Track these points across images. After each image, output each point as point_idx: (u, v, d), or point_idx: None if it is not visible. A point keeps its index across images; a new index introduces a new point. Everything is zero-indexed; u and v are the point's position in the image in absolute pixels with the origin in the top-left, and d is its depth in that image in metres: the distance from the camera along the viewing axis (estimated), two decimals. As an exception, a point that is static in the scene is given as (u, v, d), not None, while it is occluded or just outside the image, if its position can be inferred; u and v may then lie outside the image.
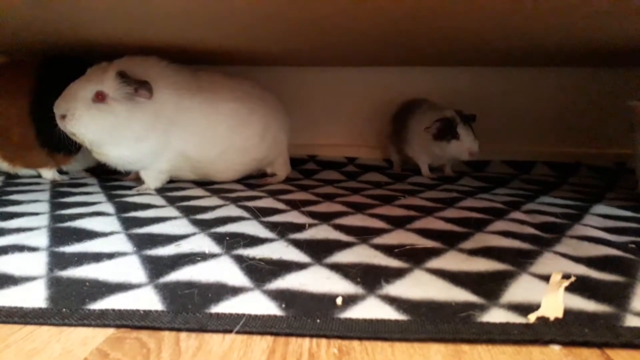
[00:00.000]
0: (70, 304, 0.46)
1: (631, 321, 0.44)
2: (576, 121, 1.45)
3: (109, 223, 0.74)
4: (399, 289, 0.51)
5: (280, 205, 0.89)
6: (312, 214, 0.82)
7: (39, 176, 1.16)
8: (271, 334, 0.42)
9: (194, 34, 0.99)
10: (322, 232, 0.71)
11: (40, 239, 0.65)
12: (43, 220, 0.75)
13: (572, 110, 1.45)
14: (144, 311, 0.45)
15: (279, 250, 0.62)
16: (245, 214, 0.81)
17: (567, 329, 0.42)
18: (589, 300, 0.48)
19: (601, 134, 1.43)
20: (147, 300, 0.47)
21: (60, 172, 1.19)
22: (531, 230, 0.74)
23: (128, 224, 0.74)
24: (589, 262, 0.59)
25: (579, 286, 0.50)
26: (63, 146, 1.06)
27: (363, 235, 0.70)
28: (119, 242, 0.65)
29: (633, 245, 0.67)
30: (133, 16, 0.85)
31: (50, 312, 0.44)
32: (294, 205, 0.89)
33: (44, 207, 0.84)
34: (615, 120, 1.38)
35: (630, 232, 0.75)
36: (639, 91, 1.34)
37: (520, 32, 0.92)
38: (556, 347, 0.41)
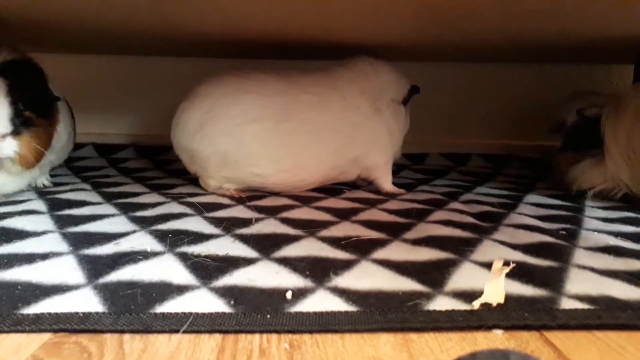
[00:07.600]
0: (1, 309, 0.43)
1: (566, 303, 0.46)
2: (508, 115, 1.52)
3: (41, 222, 0.69)
4: (347, 280, 0.51)
5: (225, 200, 0.87)
6: (258, 208, 0.81)
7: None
8: (220, 331, 0.42)
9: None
10: (269, 226, 0.71)
11: (-36, 240, 0.60)
12: (-34, 221, 0.69)
13: (503, 105, 1.52)
14: (84, 313, 0.42)
15: (226, 246, 0.61)
16: (188, 210, 0.79)
17: (509, 314, 0.44)
18: (527, 285, 0.50)
19: (530, 126, 1.51)
20: (87, 302, 0.45)
21: None
22: (470, 220, 0.76)
23: (62, 222, 0.70)
24: (525, 248, 0.62)
25: (517, 272, 0.52)
26: None
27: (310, 228, 0.70)
28: (53, 241, 0.61)
29: (564, 232, 0.71)
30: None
31: (-22, 319, 0.41)
32: (239, 199, 0.87)
33: (-34, 206, 0.78)
34: (542, 114, 1.45)
35: (560, 220, 0.79)
36: (563, 85, 1.43)
37: (454, 29, 0.94)
38: (499, 332, 0.42)
